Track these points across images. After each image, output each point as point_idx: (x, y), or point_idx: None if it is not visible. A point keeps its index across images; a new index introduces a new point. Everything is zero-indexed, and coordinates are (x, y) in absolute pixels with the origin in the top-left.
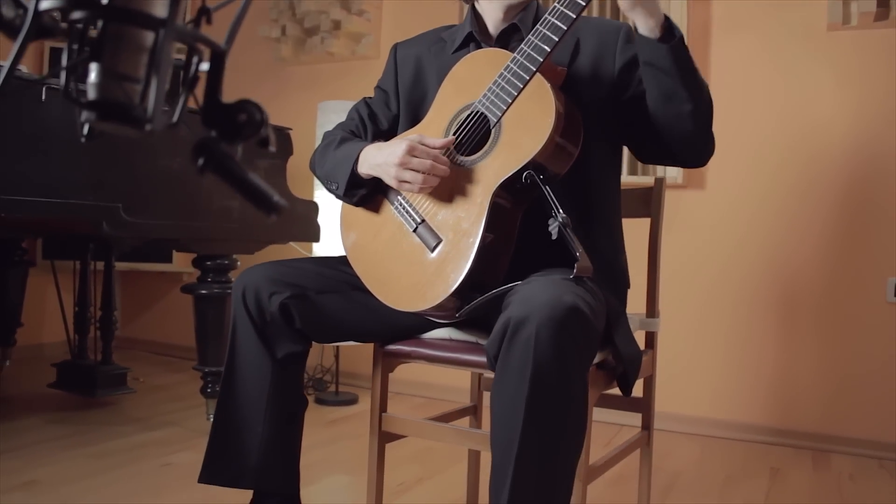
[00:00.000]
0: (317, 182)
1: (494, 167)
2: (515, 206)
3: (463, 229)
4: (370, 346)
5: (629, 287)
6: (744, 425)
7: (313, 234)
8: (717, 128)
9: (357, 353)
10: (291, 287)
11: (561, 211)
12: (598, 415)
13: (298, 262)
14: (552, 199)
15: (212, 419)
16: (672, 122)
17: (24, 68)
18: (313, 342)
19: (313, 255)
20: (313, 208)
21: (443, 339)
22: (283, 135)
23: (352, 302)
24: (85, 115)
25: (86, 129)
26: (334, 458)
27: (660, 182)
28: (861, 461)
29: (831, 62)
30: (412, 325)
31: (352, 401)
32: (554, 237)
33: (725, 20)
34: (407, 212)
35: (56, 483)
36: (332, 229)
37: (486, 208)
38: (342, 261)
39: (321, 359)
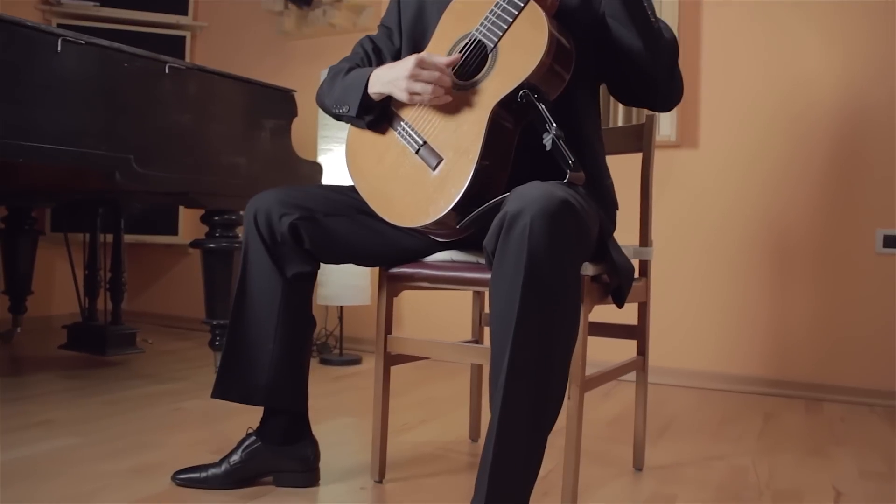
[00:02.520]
0: (320, 143)
1: (492, 88)
2: (512, 125)
3: (463, 148)
4: (373, 311)
5: (617, 208)
6: (740, 377)
7: None
8: (708, 88)
9: (360, 318)
10: (301, 209)
11: (555, 125)
12: (596, 353)
13: (307, 187)
14: (546, 114)
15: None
16: (628, 61)
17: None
18: (321, 264)
19: None
20: (317, 169)
21: (444, 261)
22: (288, 97)
23: (358, 225)
24: None
25: None
26: (340, 405)
27: (650, 119)
28: (853, 408)
29: (816, 20)
30: (416, 249)
31: (356, 361)
32: (548, 148)
33: None
34: (409, 135)
35: (71, 422)
36: None
37: (485, 127)
38: (349, 188)
39: (325, 323)
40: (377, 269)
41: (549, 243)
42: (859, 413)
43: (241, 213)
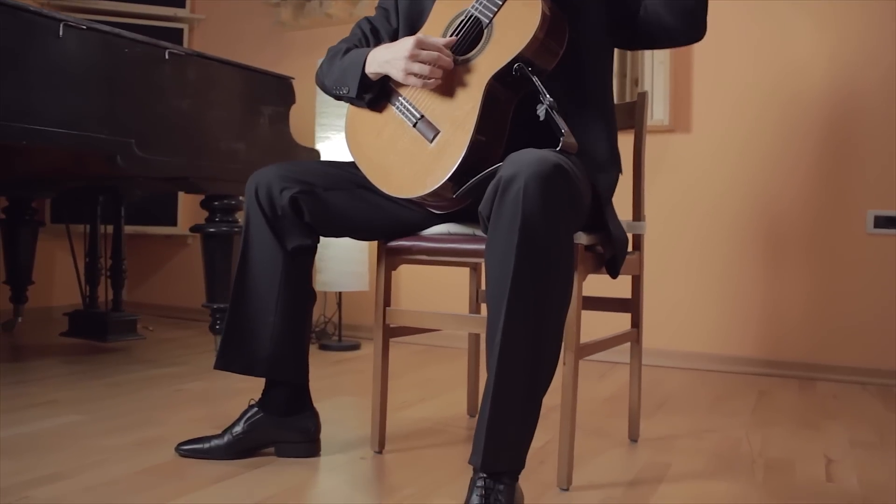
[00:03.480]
0: (318, 131)
1: (487, 62)
2: (507, 98)
3: (459, 120)
4: (371, 298)
5: (621, 172)
6: (734, 358)
7: None
8: (700, 73)
9: (359, 305)
10: (301, 183)
11: (548, 96)
12: (592, 328)
13: (306, 163)
14: (540, 86)
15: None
16: None
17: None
18: (319, 255)
19: None
20: (315, 156)
21: (442, 233)
22: (286, 83)
23: (357, 198)
24: None
25: None
26: (339, 385)
27: (642, 96)
28: (845, 386)
29: (807, 5)
30: (413, 222)
31: (355, 346)
32: (542, 119)
33: None
34: (407, 110)
35: (74, 402)
36: None
37: (480, 99)
38: (348, 164)
39: (324, 309)
40: (375, 254)
41: (543, 205)
42: (852, 391)
43: (241, 198)
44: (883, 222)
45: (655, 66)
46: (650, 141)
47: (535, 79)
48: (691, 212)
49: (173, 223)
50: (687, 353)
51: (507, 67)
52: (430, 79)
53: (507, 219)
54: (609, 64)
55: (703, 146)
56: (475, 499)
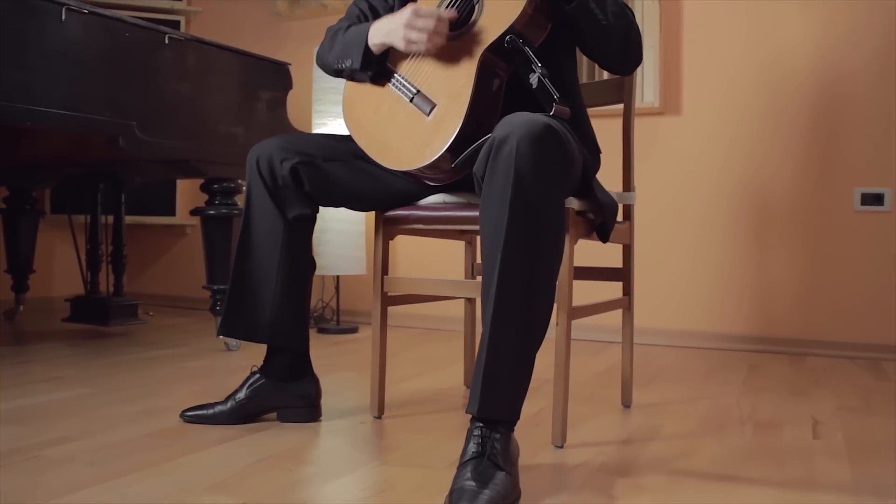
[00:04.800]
0: (315, 118)
1: (480, 35)
2: (500, 70)
3: (455, 93)
4: (369, 283)
5: (600, 152)
6: (726, 335)
7: None
8: (690, 56)
9: (356, 291)
10: (301, 154)
11: (540, 65)
12: (584, 296)
13: (306, 134)
14: (532, 56)
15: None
16: (584, 43)
17: None
18: (320, 208)
19: None
20: None
21: (437, 203)
22: (283, 69)
23: (355, 169)
24: None
25: None
26: (338, 364)
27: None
28: (835, 360)
29: None
30: (409, 192)
31: (353, 329)
32: (534, 87)
33: None
34: (403, 85)
35: (80, 378)
36: None
37: (475, 72)
38: (346, 137)
39: (322, 294)
40: (372, 239)
41: (535, 163)
42: (841, 364)
43: (240, 181)
44: (870, 199)
45: (646, 49)
46: (641, 123)
47: (526, 49)
48: (683, 193)
49: (172, 213)
50: (680, 331)
51: (500, 40)
52: (429, 44)
53: (501, 177)
54: (574, 51)
55: (694, 128)
56: (472, 446)
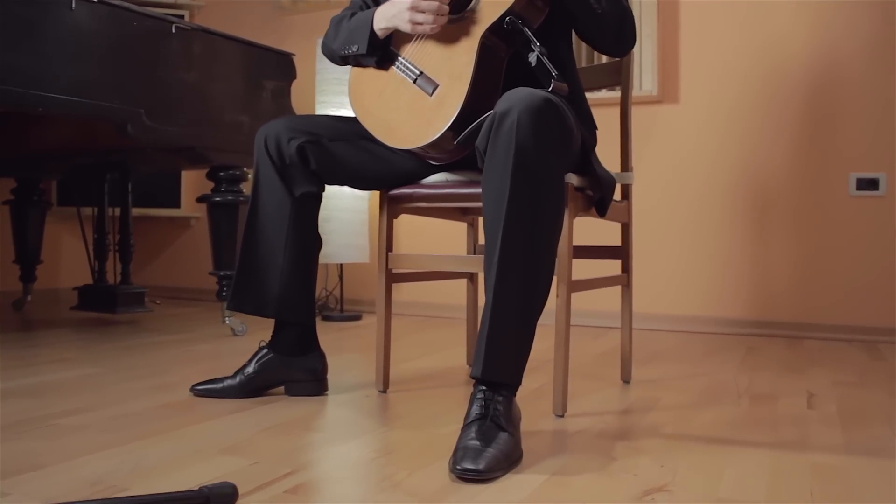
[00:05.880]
0: (318, 109)
1: (480, 17)
2: (500, 50)
3: (456, 73)
4: (372, 271)
5: (596, 128)
6: (724, 320)
7: None
8: (687, 44)
9: (359, 280)
10: (307, 134)
11: (538, 44)
12: (583, 275)
13: (312, 115)
14: (531, 35)
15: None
16: (576, 13)
17: None
18: (326, 186)
19: None
20: None
21: (439, 181)
22: (287, 59)
23: (360, 149)
24: None
25: None
26: (343, 346)
27: (628, 57)
28: (831, 343)
29: None
30: (413, 171)
31: (356, 317)
32: (533, 65)
33: None
34: (407, 68)
35: (90, 359)
36: None
37: (475, 52)
38: (352, 118)
39: (326, 283)
40: (375, 229)
41: (535, 135)
42: (838, 346)
43: (245, 168)
44: (865, 184)
45: (643, 38)
46: (640, 112)
47: (525, 29)
48: (681, 180)
49: (177, 205)
50: (679, 316)
51: (500, 21)
52: (434, 24)
53: (503, 149)
54: (570, 34)
55: (691, 116)
56: (475, 408)
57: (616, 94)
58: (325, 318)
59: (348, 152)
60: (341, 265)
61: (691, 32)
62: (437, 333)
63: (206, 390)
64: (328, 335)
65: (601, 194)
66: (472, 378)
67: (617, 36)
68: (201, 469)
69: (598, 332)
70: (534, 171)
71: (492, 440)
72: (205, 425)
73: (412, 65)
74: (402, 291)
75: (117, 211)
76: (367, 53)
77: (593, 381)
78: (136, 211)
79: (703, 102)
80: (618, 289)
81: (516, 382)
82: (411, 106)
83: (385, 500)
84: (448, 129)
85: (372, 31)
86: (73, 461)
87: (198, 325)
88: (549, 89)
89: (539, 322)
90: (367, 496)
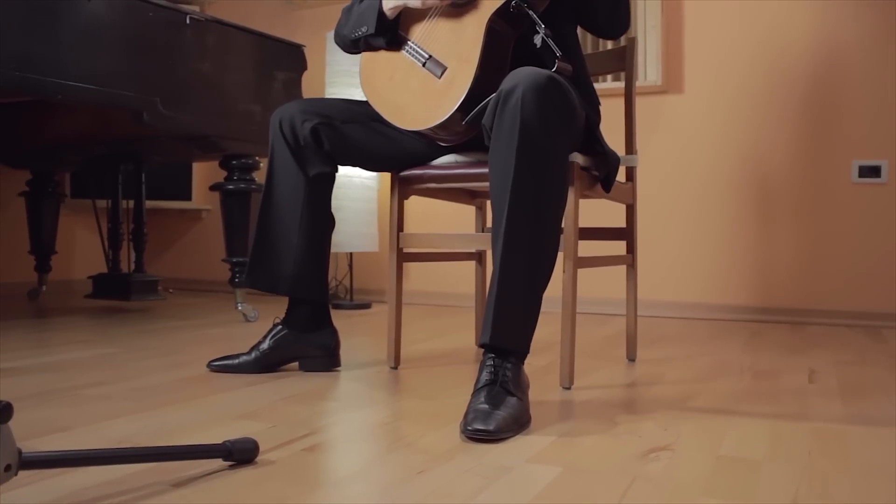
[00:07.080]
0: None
1: (487, 1)
2: (506, 33)
3: (464, 55)
4: (381, 260)
5: (600, 104)
6: (728, 306)
7: None
8: (690, 35)
9: (368, 270)
10: (321, 116)
11: (543, 26)
12: (587, 252)
13: (325, 98)
14: (536, 17)
15: (244, 293)
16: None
17: None
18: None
19: None
20: None
21: (449, 162)
22: (298, 51)
23: (371, 131)
24: None
25: None
26: (354, 331)
27: (631, 41)
28: (834, 328)
29: None
30: (422, 153)
31: (366, 305)
32: (538, 46)
33: None
34: (416, 52)
35: (107, 340)
36: None
37: (483, 35)
38: (364, 101)
39: (335, 272)
40: (385, 218)
41: (540, 112)
42: (840, 331)
43: (258, 158)
44: (867, 171)
45: (648, 28)
46: (645, 102)
47: (530, 12)
48: (686, 169)
49: (188, 198)
50: (683, 302)
51: (506, 4)
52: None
53: (508, 125)
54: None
55: (696, 105)
56: (485, 375)
57: (621, 84)
58: (336, 307)
59: (360, 134)
60: (351, 254)
61: (695, 23)
62: (446, 320)
63: (223, 366)
64: (338, 322)
65: (606, 171)
66: (481, 346)
67: (611, 20)
68: (222, 431)
69: (603, 319)
70: (539, 145)
71: (501, 403)
72: (223, 395)
73: (421, 48)
74: (411, 280)
75: (130, 204)
76: (376, 33)
77: (599, 360)
78: (148, 204)
79: (706, 92)
80: (622, 276)
81: (524, 350)
82: (421, 88)
83: (398, 458)
84: (457, 110)
85: (380, 12)
86: (99, 424)
87: (210, 312)
88: (554, 69)
89: (544, 309)
90: (381, 454)
